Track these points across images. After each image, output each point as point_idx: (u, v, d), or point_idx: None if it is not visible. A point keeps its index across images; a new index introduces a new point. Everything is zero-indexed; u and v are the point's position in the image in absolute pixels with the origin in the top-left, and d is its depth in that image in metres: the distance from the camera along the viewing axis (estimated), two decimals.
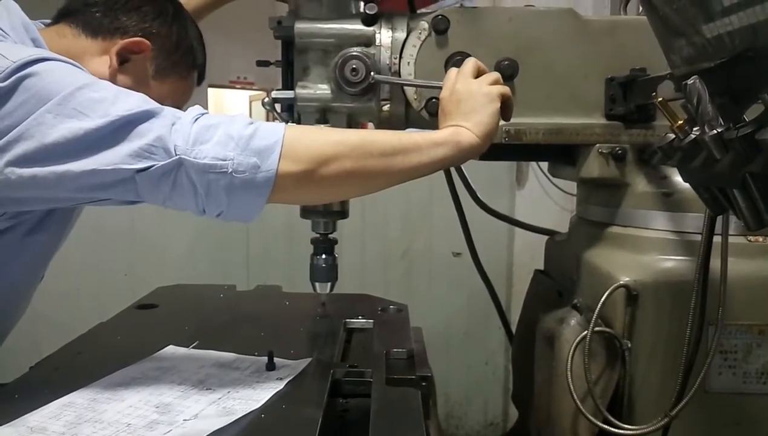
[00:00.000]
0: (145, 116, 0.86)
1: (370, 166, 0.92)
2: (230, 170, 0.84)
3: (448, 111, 0.99)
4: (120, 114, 0.84)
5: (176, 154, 0.84)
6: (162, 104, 1.12)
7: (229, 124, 0.87)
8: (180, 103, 1.16)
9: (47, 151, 0.83)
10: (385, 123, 1.16)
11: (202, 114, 0.89)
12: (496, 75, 1.02)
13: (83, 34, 1.06)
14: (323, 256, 1.20)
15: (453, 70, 1.03)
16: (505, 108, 1.01)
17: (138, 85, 1.05)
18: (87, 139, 0.83)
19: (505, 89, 1.00)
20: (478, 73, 1.02)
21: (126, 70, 1.06)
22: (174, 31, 1.11)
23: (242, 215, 0.90)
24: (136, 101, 0.87)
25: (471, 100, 0.97)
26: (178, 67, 1.12)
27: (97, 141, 0.84)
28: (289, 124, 0.90)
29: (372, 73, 1.09)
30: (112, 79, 1.04)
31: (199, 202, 0.87)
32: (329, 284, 1.22)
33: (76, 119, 0.83)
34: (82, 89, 0.86)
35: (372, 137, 0.95)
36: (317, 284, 1.23)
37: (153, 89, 1.08)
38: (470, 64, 1.02)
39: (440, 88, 1.04)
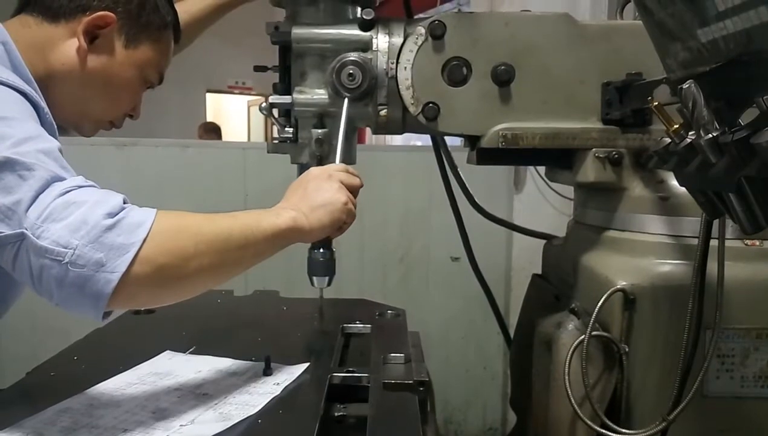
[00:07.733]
0: (20, 168, 0.77)
1: (226, 260, 0.87)
2: (66, 260, 0.74)
3: (308, 184, 1.01)
4: (5, 154, 0.77)
5: (23, 227, 0.75)
6: (144, 73, 1.09)
7: (93, 206, 0.76)
8: (163, 69, 1.13)
9: None
10: (382, 127, 1.17)
11: (79, 187, 0.79)
12: (351, 205, 1.03)
13: (45, 21, 1.02)
14: (321, 249, 1.18)
15: (345, 169, 1.05)
16: (345, 224, 1.03)
17: (112, 60, 1.04)
18: None
19: (353, 217, 1.03)
20: (355, 191, 1.04)
21: (96, 48, 1.03)
22: None
23: (80, 314, 0.78)
24: (31, 147, 0.79)
25: (329, 195, 0.99)
26: (148, 30, 1.08)
27: None
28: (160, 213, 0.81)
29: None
30: (83, 61, 1.02)
31: (34, 285, 0.77)
32: (327, 278, 1.21)
33: None
34: None
35: (228, 230, 0.87)
36: (315, 279, 1.21)
37: (128, 60, 1.06)
38: (355, 182, 1.04)
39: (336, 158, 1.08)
